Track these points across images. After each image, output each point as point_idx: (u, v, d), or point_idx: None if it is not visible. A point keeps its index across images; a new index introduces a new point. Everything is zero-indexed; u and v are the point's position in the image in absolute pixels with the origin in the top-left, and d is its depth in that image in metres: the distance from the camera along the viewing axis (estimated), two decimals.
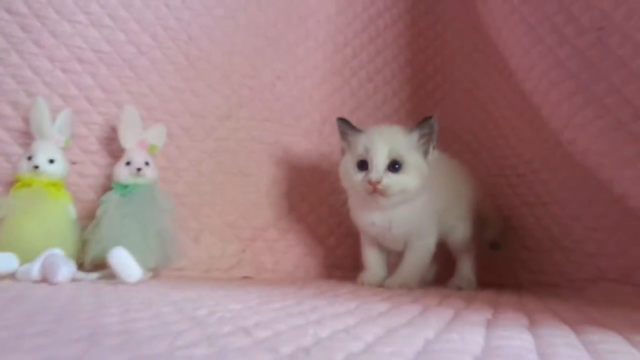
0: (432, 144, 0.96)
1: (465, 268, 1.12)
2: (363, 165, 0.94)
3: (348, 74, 1.35)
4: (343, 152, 1.01)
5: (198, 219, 1.15)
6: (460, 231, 1.10)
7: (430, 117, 0.94)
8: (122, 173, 0.98)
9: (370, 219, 0.99)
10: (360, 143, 0.94)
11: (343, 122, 0.99)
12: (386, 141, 0.92)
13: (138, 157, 0.99)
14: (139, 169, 0.97)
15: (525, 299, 0.88)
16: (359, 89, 1.36)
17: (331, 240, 1.28)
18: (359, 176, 0.93)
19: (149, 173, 0.99)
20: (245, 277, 1.16)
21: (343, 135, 1.00)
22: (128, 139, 1.00)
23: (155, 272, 0.98)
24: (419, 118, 0.97)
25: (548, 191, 1.13)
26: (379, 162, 0.91)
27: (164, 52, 1.15)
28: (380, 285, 1.02)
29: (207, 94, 1.19)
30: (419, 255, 1.02)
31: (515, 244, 1.20)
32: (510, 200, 1.23)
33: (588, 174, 0.99)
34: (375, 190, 0.91)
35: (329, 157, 1.29)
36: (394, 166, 0.92)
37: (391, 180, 0.91)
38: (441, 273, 1.16)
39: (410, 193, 0.93)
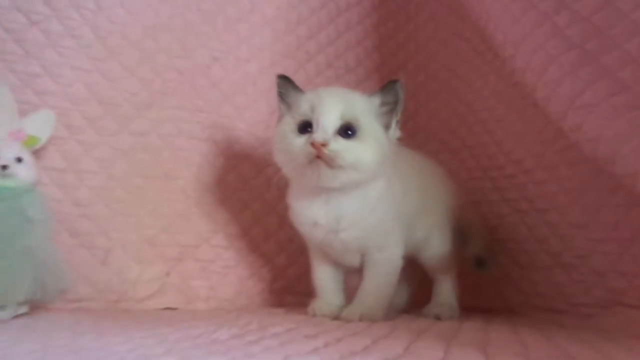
0: (395, 117, 0.77)
1: (445, 292, 0.92)
2: (305, 127, 0.73)
3: (303, 58, 1.13)
4: (280, 118, 0.80)
5: (107, 234, 0.91)
6: (435, 244, 0.91)
7: (395, 81, 0.75)
8: None
9: (313, 216, 0.78)
10: (305, 102, 0.75)
11: (284, 80, 0.79)
12: (339, 100, 0.73)
13: (6, 151, 0.75)
14: (4, 167, 0.73)
15: (520, 329, 0.71)
16: (317, 76, 1.14)
17: (281, 258, 1.05)
18: (300, 140, 0.73)
19: (22, 173, 0.75)
20: (168, 309, 0.91)
21: (282, 97, 0.79)
22: None
23: (34, 305, 0.73)
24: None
25: (544, 195, 0.94)
26: (328, 121, 0.71)
27: (63, 22, 0.91)
28: (337, 316, 0.79)
29: (122, 77, 0.95)
30: (382, 273, 0.81)
31: (505, 260, 1.00)
32: (497, 208, 1.04)
33: (596, 171, 0.82)
34: (319, 155, 0.69)
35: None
36: (347, 131, 0.72)
37: (341, 146, 0.70)
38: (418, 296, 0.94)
39: (364, 170, 0.73)
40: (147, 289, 0.92)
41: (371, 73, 1.22)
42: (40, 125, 0.81)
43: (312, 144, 0.69)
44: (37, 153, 0.83)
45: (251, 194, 1.04)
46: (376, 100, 0.76)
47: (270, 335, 0.57)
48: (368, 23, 1.24)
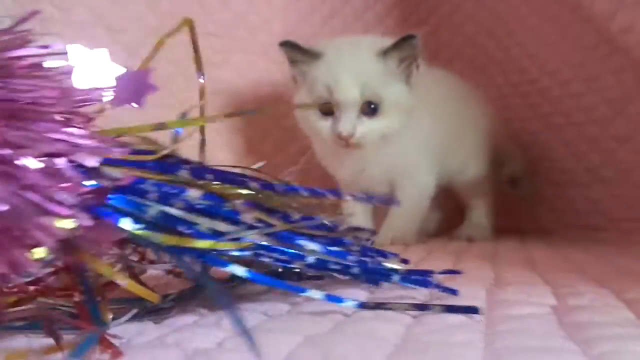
0: (415, 65, 0.72)
1: (478, 214, 0.88)
2: (326, 108, 0.70)
3: None
4: (295, 80, 0.75)
5: None
6: (471, 170, 0.87)
7: (412, 37, 0.69)
8: None
9: (339, 159, 0.77)
10: (320, 77, 0.70)
11: (290, 46, 0.72)
12: (356, 75, 0.68)
13: None
14: None
15: (560, 248, 0.67)
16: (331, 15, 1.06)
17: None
18: (324, 125, 0.70)
19: None
20: None
21: (293, 64, 0.74)
22: None
23: None
24: (410, 29, 0.73)
25: (583, 108, 0.88)
26: (350, 105, 0.68)
27: None
28: None
29: (127, 1, 0.89)
30: (411, 198, 0.78)
31: (538, 179, 0.95)
32: (530, 125, 0.99)
33: None
34: (348, 145, 0.69)
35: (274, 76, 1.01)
36: (369, 107, 0.69)
37: (367, 129, 0.69)
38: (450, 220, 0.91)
39: (393, 137, 0.72)
40: None
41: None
42: None
43: (339, 137, 0.68)
44: None
45: (269, 124, 0.99)
46: (392, 61, 0.70)
47: None
48: None
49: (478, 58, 1.11)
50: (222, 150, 0.96)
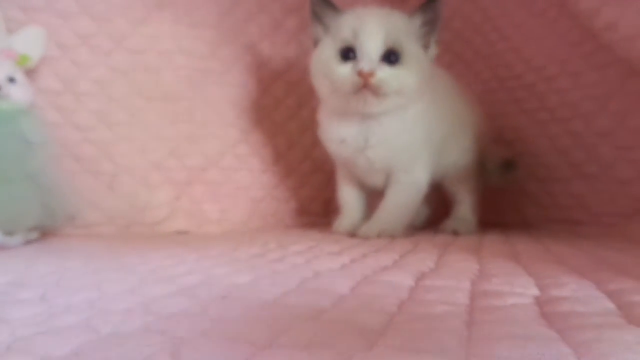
0: (433, 36, 0.74)
1: (464, 208, 0.90)
2: (348, 53, 0.70)
3: None
4: (315, 43, 0.75)
5: (111, 158, 0.87)
6: (461, 165, 0.88)
7: (436, 1, 0.72)
8: None
9: (342, 134, 0.76)
10: (346, 25, 0.70)
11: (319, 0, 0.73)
12: (382, 24, 0.69)
13: None
14: None
15: (544, 240, 0.68)
16: None
17: (294, 178, 1.02)
18: (345, 68, 0.70)
19: (16, 94, 0.70)
20: (180, 232, 0.89)
21: (318, 19, 0.74)
22: None
23: (44, 231, 0.71)
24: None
25: (567, 103, 0.89)
26: (373, 48, 0.68)
27: None
28: (353, 234, 0.77)
29: None
30: (405, 194, 0.78)
31: (522, 173, 0.96)
32: (514, 120, 1.00)
33: (625, 75, 0.79)
34: (366, 85, 0.68)
35: (289, 66, 1.01)
36: (390, 57, 0.69)
37: (387, 75, 0.69)
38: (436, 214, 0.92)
39: (408, 95, 0.72)
40: (156, 214, 0.89)
41: None
42: (31, 43, 0.75)
43: (359, 74, 0.67)
44: (30, 74, 0.78)
45: (259, 114, 0.99)
46: (417, 21, 0.73)
47: (292, 253, 0.55)
48: None
49: (465, 53, 1.12)
50: (209, 143, 0.95)
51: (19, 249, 0.64)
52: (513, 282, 0.36)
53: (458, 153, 0.87)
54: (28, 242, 0.68)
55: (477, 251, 0.57)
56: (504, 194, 0.99)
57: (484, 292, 0.34)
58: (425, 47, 0.73)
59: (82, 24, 0.85)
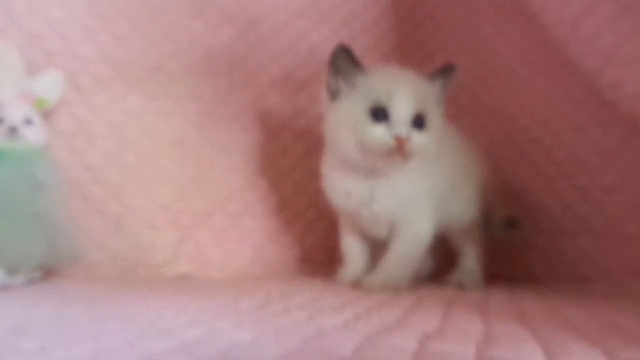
0: (444, 96, 0.76)
1: (470, 261, 0.89)
2: (378, 113, 0.68)
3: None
4: (333, 95, 0.72)
5: (119, 199, 0.88)
6: (466, 218, 0.88)
7: (455, 67, 0.75)
8: None
9: (347, 187, 0.76)
10: (378, 85, 0.69)
11: (345, 53, 0.70)
12: (412, 88, 0.70)
13: (15, 113, 0.71)
14: (13, 129, 0.69)
15: (551, 299, 0.67)
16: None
17: (298, 225, 1.02)
18: (378, 130, 0.68)
19: (31, 135, 0.72)
20: (183, 277, 0.89)
21: (339, 71, 0.71)
22: (1, 89, 0.72)
23: (47, 271, 0.71)
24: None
25: (573, 159, 0.90)
26: (407, 113, 0.68)
27: None
28: (357, 284, 0.76)
29: (130, 38, 0.90)
30: (409, 246, 0.78)
31: (529, 227, 0.96)
32: (521, 173, 1.00)
33: (631, 132, 0.79)
34: (400, 149, 0.67)
35: (297, 115, 1.02)
36: (418, 122, 0.70)
37: (419, 141, 0.69)
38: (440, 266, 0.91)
39: (429, 158, 0.73)
40: (160, 257, 0.89)
41: (387, 32, 1.16)
42: (50, 86, 0.77)
43: (396, 139, 0.67)
44: (46, 115, 0.80)
45: (267, 159, 1.00)
46: (437, 85, 0.75)
47: (295, 306, 0.54)
48: None
49: (471, 105, 1.13)
50: (215, 187, 0.96)
51: (20, 290, 0.64)
52: (519, 350, 0.35)
53: (462, 204, 0.86)
54: (30, 282, 0.68)
55: (483, 310, 0.56)
56: (510, 247, 0.98)
57: (490, 359, 0.33)
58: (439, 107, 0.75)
59: (100, 69, 0.88)
